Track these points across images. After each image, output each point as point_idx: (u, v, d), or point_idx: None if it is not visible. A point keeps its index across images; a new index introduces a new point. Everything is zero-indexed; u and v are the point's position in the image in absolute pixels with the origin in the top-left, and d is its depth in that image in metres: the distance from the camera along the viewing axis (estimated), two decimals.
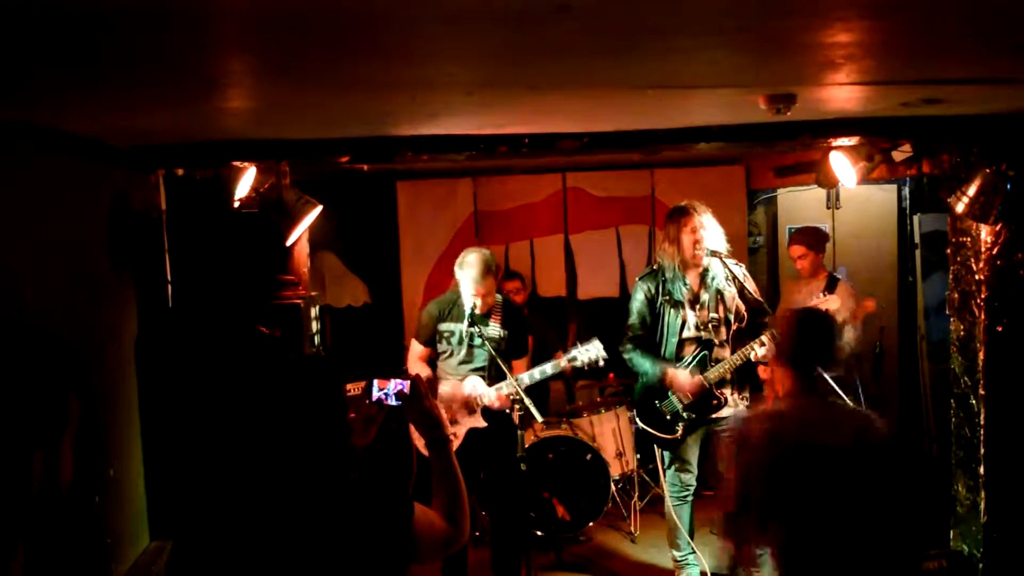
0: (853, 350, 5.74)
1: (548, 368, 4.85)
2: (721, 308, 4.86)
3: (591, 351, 4.83)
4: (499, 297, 5.03)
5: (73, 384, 1.74)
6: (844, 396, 4.20)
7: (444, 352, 5.02)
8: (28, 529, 1.66)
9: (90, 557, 3.63)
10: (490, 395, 4.83)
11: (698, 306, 4.86)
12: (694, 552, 5.05)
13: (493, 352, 4.74)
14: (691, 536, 5.05)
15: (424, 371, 5.02)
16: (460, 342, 4.95)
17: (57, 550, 3.20)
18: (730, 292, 4.87)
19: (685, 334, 4.85)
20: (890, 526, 2.88)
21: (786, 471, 2.88)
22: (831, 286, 5.84)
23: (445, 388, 4.92)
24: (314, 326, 5.02)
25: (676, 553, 5.10)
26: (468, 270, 4.78)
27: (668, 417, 4.88)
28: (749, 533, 2.96)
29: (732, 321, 4.88)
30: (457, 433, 4.91)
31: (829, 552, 2.85)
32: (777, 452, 2.92)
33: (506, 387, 4.76)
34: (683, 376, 4.78)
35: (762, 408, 3.29)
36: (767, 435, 2.97)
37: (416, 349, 5.13)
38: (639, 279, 5.02)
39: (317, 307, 5.02)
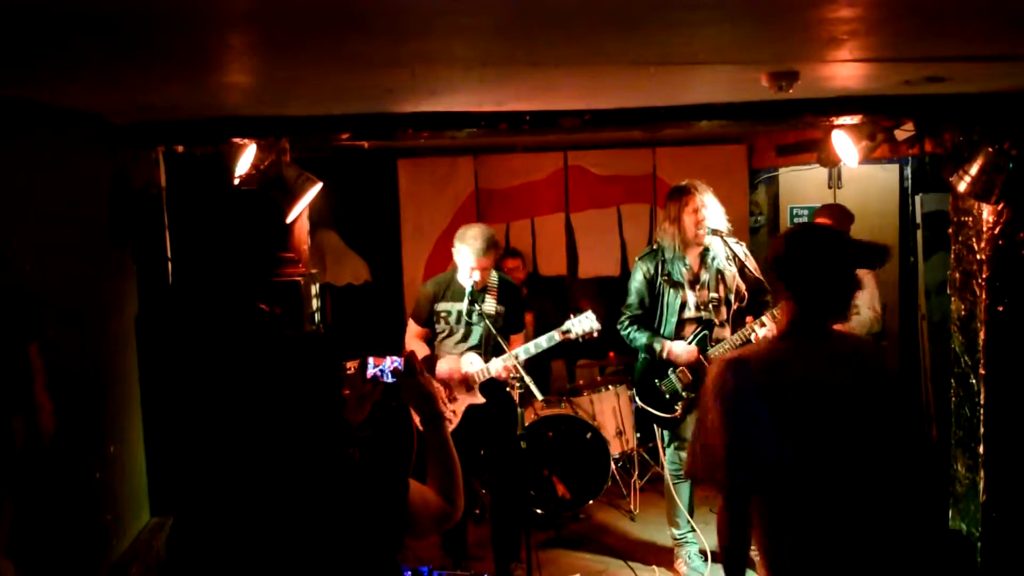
0: (871, 331, 5.70)
1: (543, 341, 4.85)
2: (721, 288, 4.85)
3: (584, 322, 4.84)
4: (495, 274, 5.02)
5: (29, 332, 1.71)
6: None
7: (442, 332, 5.01)
8: (16, 486, 1.65)
9: (91, 533, 3.65)
10: (494, 367, 4.82)
11: (698, 286, 4.85)
12: (693, 530, 5.07)
13: (491, 328, 4.75)
14: (691, 514, 5.06)
15: (421, 350, 5.02)
16: (458, 321, 4.94)
17: (58, 526, 3.22)
18: (731, 271, 4.86)
19: (685, 314, 4.84)
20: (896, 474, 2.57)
21: (776, 418, 2.49)
22: None
23: (443, 366, 4.92)
24: (314, 304, 5.02)
25: (675, 531, 5.13)
26: (471, 242, 4.77)
27: (667, 396, 4.89)
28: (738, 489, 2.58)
29: (733, 301, 4.88)
30: (456, 411, 4.92)
31: (831, 508, 2.53)
32: (763, 397, 2.51)
33: (504, 362, 4.77)
34: (679, 347, 4.78)
35: (745, 350, 2.71)
36: (750, 379, 2.53)
37: (413, 329, 5.14)
38: (638, 259, 5.01)
39: (317, 285, 5.02)
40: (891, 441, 2.58)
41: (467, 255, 4.80)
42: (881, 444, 2.56)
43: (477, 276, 4.81)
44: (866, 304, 5.61)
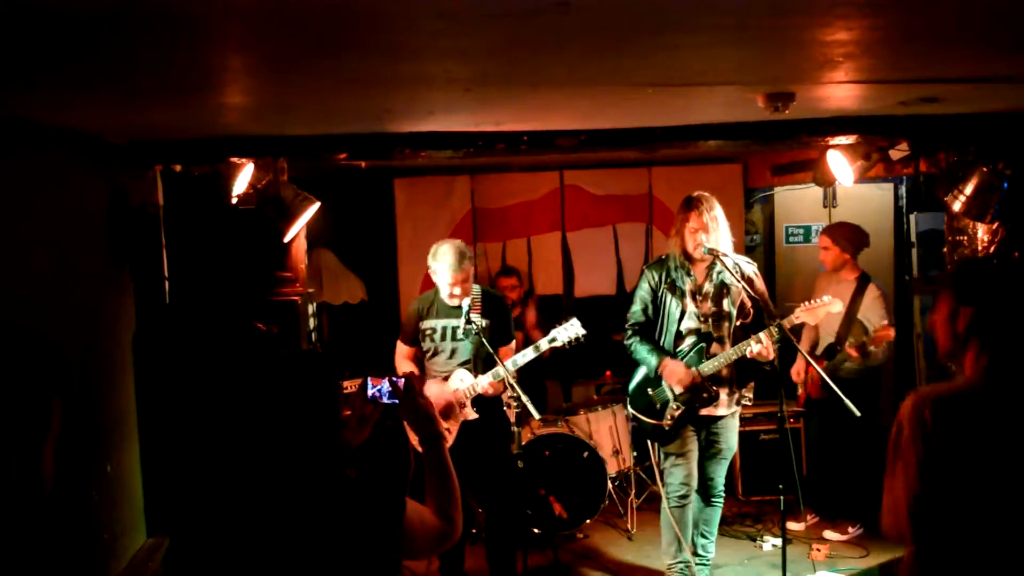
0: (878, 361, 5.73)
1: (530, 351, 4.82)
2: (724, 302, 4.83)
3: (570, 330, 4.81)
4: (476, 288, 5.01)
5: (56, 386, 1.68)
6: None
7: (428, 350, 5.00)
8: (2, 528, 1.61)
9: (87, 553, 3.63)
10: (481, 383, 4.81)
11: (699, 297, 4.83)
12: (686, 562, 4.98)
13: (483, 341, 4.72)
14: (688, 538, 4.98)
15: (411, 370, 5.00)
16: (443, 338, 4.93)
17: (54, 546, 3.20)
18: (736, 288, 4.83)
19: (685, 324, 4.82)
20: None
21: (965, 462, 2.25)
22: (862, 285, 5.76)
23: (431, 391, 4.87)
24: (311, 323, 5.02)
25: (668, 560, 5.03)
26: (443, 259, 4.77)
27: (658, 406, 4.87)
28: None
29: (735, 317, 4.86)
30: (451, 429, 4.90)
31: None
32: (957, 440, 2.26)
33: (492, 377, 4.76)
34: (675, 366, 4.75)
35: (941, 386, 2.43)
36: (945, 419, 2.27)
37: (401, 349, 5.12)
38: (646, 267, 5.00)
39: (314, 304, 5.02)
40: None
41: (443, 272, 4.80)
42: None
43: (458, 291, 4.81)
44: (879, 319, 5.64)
